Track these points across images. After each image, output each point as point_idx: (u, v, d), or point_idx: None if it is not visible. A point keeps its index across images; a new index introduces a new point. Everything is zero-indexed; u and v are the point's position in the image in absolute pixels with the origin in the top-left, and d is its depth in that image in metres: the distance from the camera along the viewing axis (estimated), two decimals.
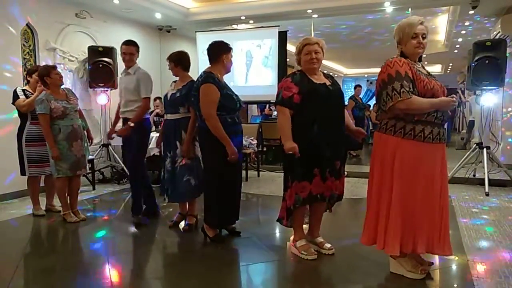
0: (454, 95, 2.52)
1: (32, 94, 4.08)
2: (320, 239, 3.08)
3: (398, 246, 2.48)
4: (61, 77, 3.96)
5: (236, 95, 3.27)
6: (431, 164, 2.49)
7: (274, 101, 8.37)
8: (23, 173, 4.17)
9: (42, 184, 4.40)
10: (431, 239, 2.50)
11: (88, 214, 4.23)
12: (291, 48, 9.69)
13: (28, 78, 4.26)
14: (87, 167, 4.20)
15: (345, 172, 3.08)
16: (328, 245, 3.03)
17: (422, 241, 2.48)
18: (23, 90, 4.19)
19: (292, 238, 3.11)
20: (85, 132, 4.14)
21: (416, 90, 2.42)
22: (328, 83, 2.93)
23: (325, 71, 3.09)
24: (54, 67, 3.95)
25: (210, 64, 3.29)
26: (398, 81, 2.40)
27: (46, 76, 3.86)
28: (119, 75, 3.84)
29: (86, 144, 4.12)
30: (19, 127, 4.16)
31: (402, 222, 2.48)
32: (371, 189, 2.65)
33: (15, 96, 4.12)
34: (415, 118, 2.44)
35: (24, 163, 4.11)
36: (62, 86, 4.05)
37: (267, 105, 10.01)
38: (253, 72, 7.55)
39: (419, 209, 2.47)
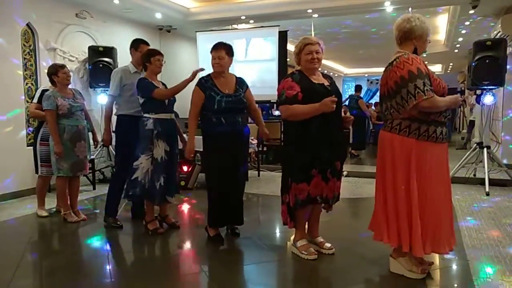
0: (459, 94, 2.51)
1: None
2: (320, 239, 3.08)
3: (422, 247, 2.44)
4: (69, 76, 3.98)
5: (222, 97, 3.20)
6: (441, 164, 2.50)
7: (274, 101, 8.37)
8: (37, 171, 4.20)
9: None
10: (448, 237, 2.51)
11: (89, 214, 4.24)
12: (291, 48, 9.71)
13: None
14: (88, 168, 4.19)
15: (345, 172, 3.08)
16: (328, 245, 3.03)
17: (443, 240, 2.48)
18: (43, 91, 4.17)
19: (292, 238, 3.11)
20: (89, 133, 4.13)
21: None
22: (326, 83, 2.92)
23: (324, 71, 3.08)
24: (62, 67, 3.96)
25: None
26: (421, 78, 2.35)
27: (54, 75, 3.92)
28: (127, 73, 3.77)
29: (88, 145, 4.11)
30: (37, 126, 4.22)
31: (422, 223, 2.45)
32: (386, 192, 2.56)
33: (33, 97, 4.19)
34: (431, 118, 2.42)
35: (38, 162, 4.15)
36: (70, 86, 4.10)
37: (275, 105, 10.06)
38: (253, 72, 7.55)
39: (437, 209, 2.46)
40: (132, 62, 3.86)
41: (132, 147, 3.77)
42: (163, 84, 3.74)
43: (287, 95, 2.83)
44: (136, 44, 3.87)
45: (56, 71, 3.91)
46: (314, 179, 2.83)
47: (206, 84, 3.24)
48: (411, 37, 2.51)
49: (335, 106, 2.73)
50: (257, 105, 3.58)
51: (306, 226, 3.12)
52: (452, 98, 2.46)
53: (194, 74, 3.45)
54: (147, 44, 3.88)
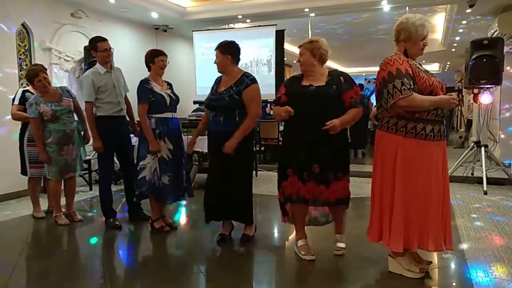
0: (453, 94, 2.52)
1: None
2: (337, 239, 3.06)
3: (401, 243, 2.48)
4: (47, 83, 3.77)
5: (211, 95, 3.29)
6: (433, 162, 2.48)
7: (271, 101, 8.39)
8: (24, 173, 4.13)
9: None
10: (438, 236, 2.49)
11: (86, 215, 4.21)
12: (288, 47, 9.68)
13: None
14: (78, 169, 4.07)
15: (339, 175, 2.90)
16: (341, 245, 3.01)
17: (432, 238, 2.46)
18: (24, 92, 4.12)
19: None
20: (81, 134, 4.03)
21: (416, 87, 2.42)
22: (319, 84, 2.85)
23: (332, 70, 2.95)
24: (36, 75, 3.73)
25: (237, 64, 3.33)
26: (399, 78, 2.41)
27: (31, 84, 3.84)
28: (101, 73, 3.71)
29: (81, 147, 4.03)
30: (21, 127, 4.13)
31: (406, 219, 2.47)
32: (374, 187, 2.65)
33: (14, 99, 4.12)
34: (416, 115, 2.45)
35: (26, 163, 4.07)
36: (60, 85, 4.01)
37: (268, 104, 10.05)
38: (250, 71, 7.53)
39: (423, 207, 2.47)
40: (98, 62, 3.75)
41: (113, 148, 3.77)
42: (169, 84, 3.69)
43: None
44: (94, 45, 3.71)
45: (31, 81, 3.78)
46: (289, 178, 2.88)
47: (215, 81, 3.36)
48: (400, 38, 2.54)
49: (286, 115, 2.79)
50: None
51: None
52: (441, 98, 2.44)
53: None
54: (104, 39, 3.74)
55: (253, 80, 3.20)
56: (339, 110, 2.79)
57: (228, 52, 3.23)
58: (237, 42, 3.33)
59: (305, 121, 2.80)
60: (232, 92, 3.15)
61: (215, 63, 3.26)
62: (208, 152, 3.43)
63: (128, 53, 6.81)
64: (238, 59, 3.29)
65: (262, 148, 7.49)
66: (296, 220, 3.01)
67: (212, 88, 3.33)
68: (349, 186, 2.93)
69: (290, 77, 3.05)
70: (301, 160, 2.82)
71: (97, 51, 3.70)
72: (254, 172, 6.47)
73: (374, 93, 2.68)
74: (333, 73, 2.90)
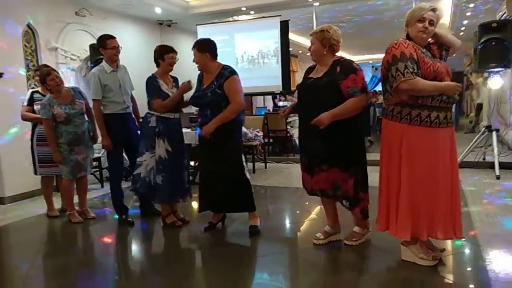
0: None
1: (44, 96, 4.02)
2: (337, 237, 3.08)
3: (409, 231, 2.47)
4: (59, 81, 3.79)
5: (195, 92, 3.36)
6: (440, 149, 2.46)
7: (277, 92, 8.31)
8: (36, 172, 4.19)
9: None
10: (447, 224, 2.47)
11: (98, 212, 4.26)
12: (293, 37, 9.60)
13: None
14: (89, 168, 4.12)
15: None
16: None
17: (440, 227, 2.45)
18: (32, 93, 4.16)
19: None
20: (90, 134, 4.04)
21: (420, 72, 2.40)
22: (320, 75, 2.82)
23: (336, 59, 2.83)
24: (48, 73, 3.76)
25: (216, 59, 3.30)
26: (402, 61, 2.38)
27: (44, 83, 3.83)
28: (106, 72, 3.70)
29: (90, 144, 4.04)
30: (32, 127, 4.18)
31: (413, 207, 2.46)
32: (381, 176, 2.65)
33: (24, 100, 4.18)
34: (419, 101, 2.42)
35: (35, 162, 4.12)
36: (71, 86, 4.00)
37: (277, 96, 10.05)
38: (257, 63, 7.51)
39: (430, 195, 2.45)
40: (105, 60, 3.74)
41: (121, 145, 3.81)
42: (175, 80, 3.68)
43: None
44: (102, 42, 3.70)
45: (44, 80, 3.77)
46: (302, 172, 3.01)
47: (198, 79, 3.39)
48: (405, 22, 2.55)
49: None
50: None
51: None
52: (447, 85, 2.41)
53: (185, 88, 3.47)
54: (113, 37, 3.73)
55: (232, 72, 3.22)
56: (334, 102, 2.70)
57: (206, 50, 3.23)
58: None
59: (305, 115, 2.86)
60: (214, 87, 3.18)
61: (193, 62, 3.28)
62: (199, 145, 3.50)
63: (132, 49, 6.81)
64: (216, 55, 3.30)
65: (271, 140, 7.48)
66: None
67: (196, 85, 3.36)
68: (341, 178, 2.81)
69: (308, 67, 3.02)
70: (307, 155, 2.94)
71: (105, 49, 3.69)
72: (263, 164, 6.47)
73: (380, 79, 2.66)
74: (334, 63, 2.81)
